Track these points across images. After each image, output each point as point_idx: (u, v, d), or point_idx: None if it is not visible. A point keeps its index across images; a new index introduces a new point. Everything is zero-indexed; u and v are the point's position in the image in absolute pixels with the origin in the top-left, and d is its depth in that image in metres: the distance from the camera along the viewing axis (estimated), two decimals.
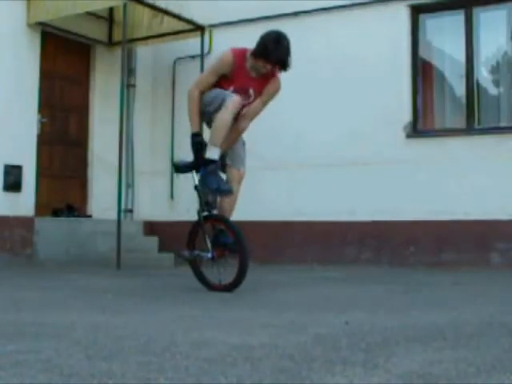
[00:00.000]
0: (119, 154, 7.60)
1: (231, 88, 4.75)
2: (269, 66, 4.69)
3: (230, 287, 4.68)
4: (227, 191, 4.68)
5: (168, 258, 8.42)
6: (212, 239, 4.80)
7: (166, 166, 9.38)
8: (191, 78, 9.28)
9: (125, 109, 8.08)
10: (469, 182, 7.62)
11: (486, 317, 3.39)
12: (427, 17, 8.30)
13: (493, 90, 8.29)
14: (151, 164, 9.54)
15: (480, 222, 7.53)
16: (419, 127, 8.15)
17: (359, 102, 8.19)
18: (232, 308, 3.90)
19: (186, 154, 9.19)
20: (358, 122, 8.21)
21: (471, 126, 7.91)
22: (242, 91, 4.76)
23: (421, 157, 7.91)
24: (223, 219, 4.80)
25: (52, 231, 7.98)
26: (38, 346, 2.48)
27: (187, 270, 7.73)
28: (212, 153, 4.65)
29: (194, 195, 8.85)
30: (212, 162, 4.65)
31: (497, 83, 8.27)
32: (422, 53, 8.31)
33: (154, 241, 8.80)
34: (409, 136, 8.05)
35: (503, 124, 7.86)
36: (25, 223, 7.85)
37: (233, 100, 4.58)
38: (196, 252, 4.90)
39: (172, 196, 9.36)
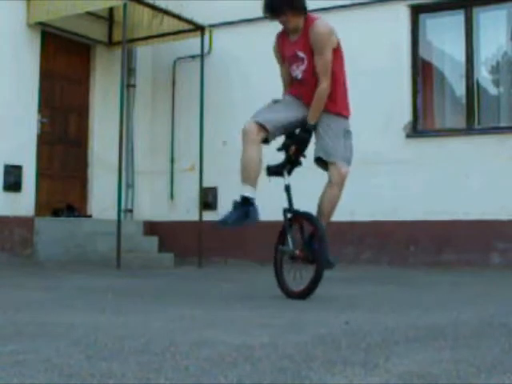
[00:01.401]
0: (119, 154, 7.60)
1: (286, 63, 4.51)
2: (279, 19, 4.38)
3: (302, 295, 4.24)
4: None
5: (168, 257, 8.43)
6: (304, 240, 4.36)
7: (166, 166, 9.38)
8: (191, 78, 9.37)
9: (125, 109, 8.08)
10: (469, 182, 7.62)
11: (486, 317, 3.39)
12: (427, 17, 8.30)
13: (493, 90, 8.29)
14: (151, 164, 9.54)
15: (480, 222, 7.53)
16: (419, 127, 8.16)
17: (359, 102, 8.13)
18: (232, 308, 3.90)
19: (186, 154, 9.25)
20: (357, 122, 8.13)
21: (471, 126, 7.91)
22: (292, 59, 4.45)
23: (421, 157, 7.91)
24: (312, 219, 4.33)
25: (52, 231, 7.98)
26: (37, 346, 2.48)
27: (187, 270, 7.75)
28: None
29: (194, 195, 8.92)
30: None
31: (497, 83, 8.27)
32: (422, 53, 8.31)
33: (153, 241, 8.81)
34: (409, 136, 8.05)
35: (503, 124, 7.86)
36: (25, 223, 7.85)
37: (243, 130, 4.27)
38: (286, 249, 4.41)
39: (172, 196, 9.37)
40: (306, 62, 4.40)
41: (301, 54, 4.41)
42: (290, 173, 4.50)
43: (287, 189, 4.49)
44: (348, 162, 4.48)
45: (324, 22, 4.42)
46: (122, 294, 4.80)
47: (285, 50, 4.50)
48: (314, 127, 4.38)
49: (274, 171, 4.49)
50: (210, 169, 8.67)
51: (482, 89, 8.11)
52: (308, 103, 4.38)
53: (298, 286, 4.31)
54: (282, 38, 4.54)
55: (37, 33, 8.21)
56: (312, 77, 4.38)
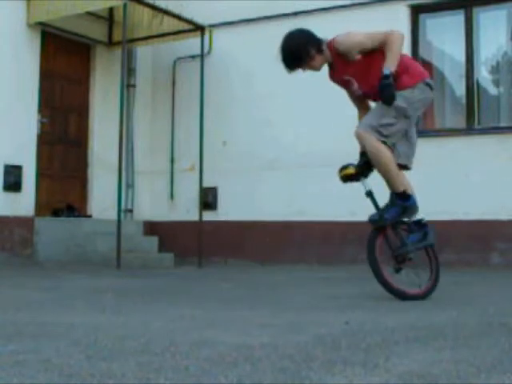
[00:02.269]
0: (119, 154, 7.60)
1: (346, 89, 4.58)
2: (304, 70, 4.53)
3: (422, 296, 4.31)
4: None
5: (168, 258, 8.42)
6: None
7: (166, 166, 9.39)
8: (191, 78, 9.37)
9: (125, 109, 8.08)
10: (469, 181, 7.62)
11: (486, 317, 3.39)
12: (427, 17, 8.30)
13: (493, 90, 8.29)
14: (151, 164, 9.54)
15: (480, 222, 7.52)
16: (419, 127, 8.13)
17: None
18: (232, 308, 3.90)
19: (186, 154, 9.26)
20: (357, 122, 8.19)
21: (471, 126, 7.91)
22: (345, 84, 4.47)
23: (421, 157, 7.86)
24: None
25: (52, 231, 7.98)
26: (37, 346, 2.48)
27: (187, 270, 7.75)
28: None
29: (194, 195, 8.93)
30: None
31: (497, 83, 8.27)
32: (422, 53, 8.31)
33: (153, 241, 8.81)
34: None
35: (503, 124, 7.86)
36: (25, 223, 7.85)
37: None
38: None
39: (172, 196, 9.37)
40: (354, 82, 4.40)
41: (346, 77, 4.40)
42: (366, 175, 4.44)
43: (369, 194, 4.43)
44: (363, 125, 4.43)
45: (340, 37, 4.33)
46: (122, 294, 4.80)
47: (337, 80, 4.52)
48: (390, 74, 4.08)
49: (349, 178, 4.50)
50: (209, 169, 8.67)
51: (482, 89, 8.11)
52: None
53: (402, 284, 4.34)
54: (330, 71, 4.53)
55: (37, 33, 8.21)
56: (369, 81, 4.27)
